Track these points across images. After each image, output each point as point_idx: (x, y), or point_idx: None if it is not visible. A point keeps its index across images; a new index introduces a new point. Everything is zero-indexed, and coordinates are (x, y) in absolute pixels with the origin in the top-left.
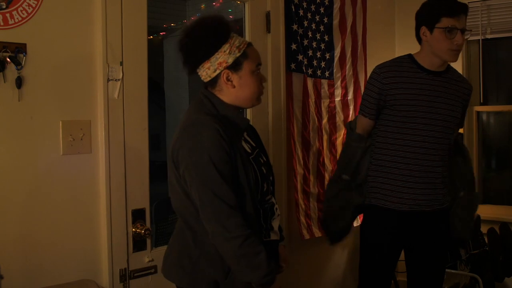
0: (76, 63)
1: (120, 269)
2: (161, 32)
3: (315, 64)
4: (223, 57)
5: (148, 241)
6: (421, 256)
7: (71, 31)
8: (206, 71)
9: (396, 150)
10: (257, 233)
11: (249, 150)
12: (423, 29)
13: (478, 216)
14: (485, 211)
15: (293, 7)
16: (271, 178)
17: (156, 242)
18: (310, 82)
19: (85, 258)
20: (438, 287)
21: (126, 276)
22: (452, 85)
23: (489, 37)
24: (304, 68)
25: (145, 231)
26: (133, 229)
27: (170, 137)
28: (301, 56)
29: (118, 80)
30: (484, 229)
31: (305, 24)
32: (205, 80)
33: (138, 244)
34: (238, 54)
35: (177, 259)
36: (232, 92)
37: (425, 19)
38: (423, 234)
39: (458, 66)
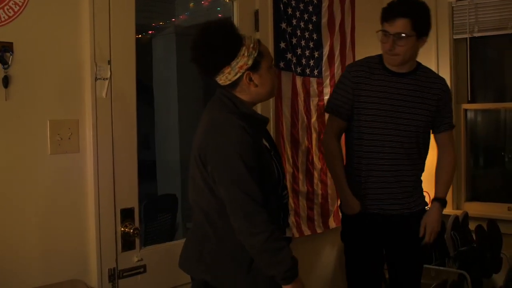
0: (64, 62)
1: (109, 269)
2: (150, 31)
3: (304, 62)
4: (243, 60)
5: (137, 241)
6: (395, 257)
7: (58, 30)
8: (226, 76)
9: (360, 156)
10: (279, 228)
11: (269, 147)
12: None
13: (466, 213)
14: (473, 208)
15: (281, 5)
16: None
17: (145, 242)
18: (299, 81)
19: (74, 258)
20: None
21: (115, 275)
22: (421, 86)
23: (476, 35)
24: (293, 66)
25: (133, 230)
26: (122, 229)
27: (159, 136)
28: (290, 55)
29: (106, 79)
30: (472, 226)
31: (294, 23)
32: (224, 84)
33: (127, 243)
34: (255, 55)
35: (197, 253)
36: (254, 90)
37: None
38: (394, 237)
39: (446, 64)
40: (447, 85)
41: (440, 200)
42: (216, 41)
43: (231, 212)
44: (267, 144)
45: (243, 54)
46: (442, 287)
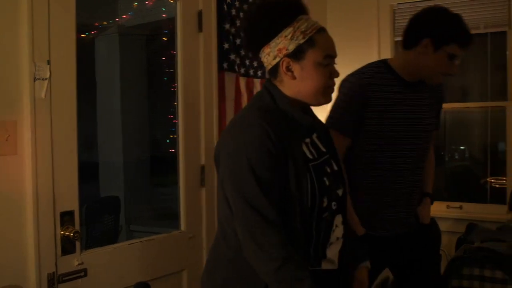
0: (0, 61)
1: (48, 273)
2: (93, 30)
3: (247, 63)
4: (283, 42)
5: (78, 244)
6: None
7: None
8: (266, 57)
9: (375, 176)
10: (302, 254)
11: (310, 156)
12: (427, 42)
13: None
14: None
15: (225, 6)
16: (340, 192)
17: (87, 245)
18: (242, 82)
19: (11, 263)
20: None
21: (54, 280)
22: (430, 92)
23: None
24: (236, 67)
25: (74, 233)
26: (62, 232)
27: (102, 137)
28: (234, 56)
29: (46, 79)
30: None
31: (238, 23)
32: (267, 68)
33: (67, 247)
34: (301, 41)
35: (210, 270)
36: (293, 84)
37: (435, 34)
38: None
39: None
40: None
41: (430, 195)
42: (261, 13)
43: (237, 228)
44: (308, 151)
45: (286, 36)
46: (384, 284)
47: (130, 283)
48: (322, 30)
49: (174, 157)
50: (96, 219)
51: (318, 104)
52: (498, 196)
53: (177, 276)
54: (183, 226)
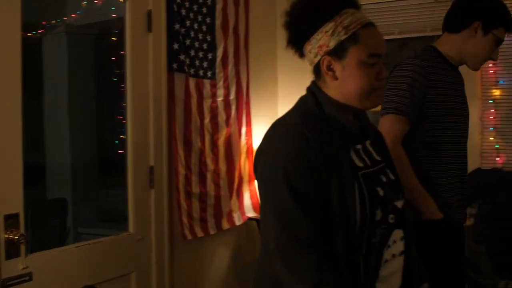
0: None
1: None
2: (40, 29)
3: (197, 64)
4: (324, 39)
5: (22, 248)
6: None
7: None
8: (308, 55)
9: (436, 163)
10: (348, 275)
11: (359, 164)
12: (477, 24)
13: None
14: None
15: (175, 6)
16: (399, 204)
17: (33, 248)
18: (192, 82)
19: None
20: None
21: None
22: (461, 77)
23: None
24: (186, 68)
25: (19, 236)
26: (6, 235)
27: (49, 138)
28: (183, 56)
29: None
30: None
31: (188, 24)
32: (311, 66)
33: (11, 251)
34: (343, 37)
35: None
36: (336, 85)
37: (486, 18)
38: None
39: None
40: None
41: None
42: (301, 5)
43: (268, 244)
44: (357, 159)
45: (327, 31)
46: None
47: (77, 287)
48: (369, 25)
49: (123, 158)
50: (42, 221)
51: (364, 108)
52: None
53: (125, 279)
54: (131, 228)
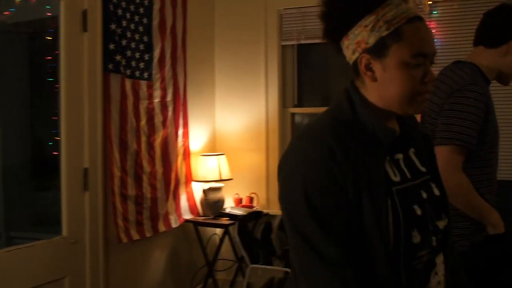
0: None
1: None
2: None
3: (133, 64)
4: (363, 34)
5: None
6: None
7: None
8: (346, 52)
9: (488, 186)
10: None
11: (395, 178)
12: None
13: None
14: None
15: (111, 6)
16: (441, 224)
17: None
18: (128, 83)
19: None
20: None
21: None
22: None
23: (303, 42)
24: (122, 68)
25: None
26: None
27: None
28: (119, 57)
29: None
30: None
31: (124, 24)
32: (350, 64)
33: None
34: (384, 33)
35: None
36: (374, 87)
37: None
38: None
39: (274, 70)
40: None
41: None
42: None
43: (293, 264)
44: (393, 172)
45: (366, 26)
46: (269, 285)
47: None
48: (415, 20)
49: (57, 160)
50: None
51: (405, 113)
52: None
53: (58, 284)
54: (65, 232)
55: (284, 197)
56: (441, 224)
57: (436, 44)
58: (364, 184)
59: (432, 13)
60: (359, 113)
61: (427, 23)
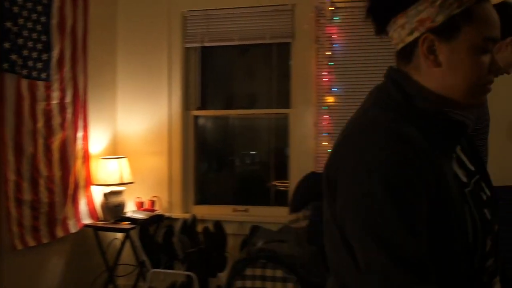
0: None
1: None
2: None
3: (30, 65)
4: (428, 10)
5: None
6: None
7: None
8: (399, 32)
9: None
10: None
11: (464, 179)
12: (510, 40)
13: (194, 216)
14: (201, 211)
15: (7, 3)
16: (496, 227)
17: None
18: (24, 84)
19: None
20: None
21: None
22: None
23: (207, 45)
24: (18, 68)
25: None
26: None
27: None
28: (15, 56)
29: None
30: (199, 228)
31: (21, 23)
32: (397, 47)
33: None
34: (456, 11)
35: None
36: (435, 74)
37: None
38: None
39: (177, 72)
40: None
41: None
42: None
43: (366, 284)
44: (460, 172)
45: (433, 2)
46: None
47: None
48: (483, 0)
49: None
50: None
51: (466, 104)
52: (282, 199)
53: None
54: None
55: (360, 205)
56: (496, 227)
57: (336, 49)
58: (443, 184)
59: (333, 18)
60: (417, 102)
61: (327, 28)
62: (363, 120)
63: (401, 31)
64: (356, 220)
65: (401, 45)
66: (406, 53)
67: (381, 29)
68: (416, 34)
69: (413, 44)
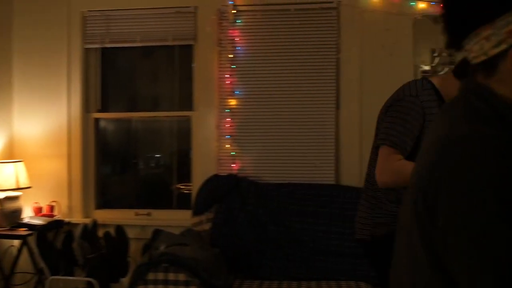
0: None
1: None
2: None
3: None
4: None
5: None
6: None
7: None
8: (482, 44)
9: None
10: None
11: None
12: None
13: (95, 221)
14: (102, 215)
15: None
16: None
17: None
18: None
19: None
20: None
21: None
22: None
23: (108, 46)
24: None
25: None
26: None
27: None
28: None
29: None
30: (101, 233)
31: None
32: (474, 61)
33: None
34: None
35: None
36: None
37: None
38: None
39: (76, 73)
40: None
41: None
42: None
43: None
44: None
45: None
46: None
47: None
48: None
49: None
50: None
51: None
52: (185, 202)
53: None
54: None
55: (473, 230)
56: None
57: (239, 52)
58: None
59: (236, 21)
60: (507, 113)
61: (230, 31)
62: (465, 137)
63: (486, 43)
64: (466, 246)
65: (481, 59)
66: (488, 66)
67: (457, 41)
68: (503, 46)
69: (500, 57)
